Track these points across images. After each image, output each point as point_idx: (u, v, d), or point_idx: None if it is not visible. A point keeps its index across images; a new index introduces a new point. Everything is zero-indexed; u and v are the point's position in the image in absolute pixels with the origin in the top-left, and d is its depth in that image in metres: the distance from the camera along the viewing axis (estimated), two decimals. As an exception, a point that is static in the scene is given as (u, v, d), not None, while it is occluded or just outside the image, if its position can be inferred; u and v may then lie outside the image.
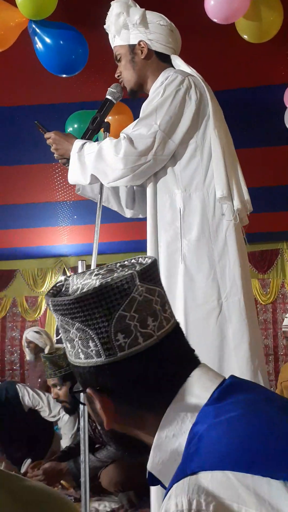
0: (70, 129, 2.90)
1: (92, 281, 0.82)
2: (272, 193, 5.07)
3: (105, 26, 1.96)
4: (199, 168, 1.80)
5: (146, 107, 1.83)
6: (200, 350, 1.71)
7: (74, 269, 7.64)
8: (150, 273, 0.83)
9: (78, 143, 1.85)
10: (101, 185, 1.94)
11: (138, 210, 2.13)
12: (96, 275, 0.84)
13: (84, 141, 1.86)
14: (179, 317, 1.75)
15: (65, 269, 7.84)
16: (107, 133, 1.93)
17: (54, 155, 1.96)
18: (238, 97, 3.29)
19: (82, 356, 0.82)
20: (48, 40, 2.50)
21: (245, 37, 2.56)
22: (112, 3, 1.93)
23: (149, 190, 1.87)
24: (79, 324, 0.80)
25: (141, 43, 1.91)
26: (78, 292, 0.81)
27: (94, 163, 1.77)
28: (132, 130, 1.77)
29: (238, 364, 1.72)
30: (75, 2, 2.72)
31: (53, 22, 2.53)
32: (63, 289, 0.86)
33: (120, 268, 0.85)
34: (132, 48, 1.93)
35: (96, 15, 2.68)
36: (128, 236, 6.61)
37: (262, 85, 3.26)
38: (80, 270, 2.49)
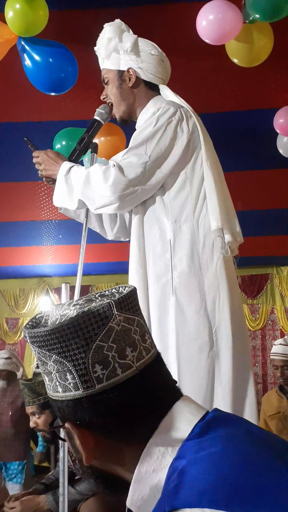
0: (58, 146, 2.93)
1: (70, 312, 0.82)
2: (263, 216, 5.13)
3: (95, 48, 2.00)
4: (189, 199, 1.83)
5: (137, 137, 1.87)
6: (192, 386, 1.73)
7: (58, 290, 7.59)
8: (129, 302, 0.84)
9: (65, 165, 1.87)
10: (87, 209, 1.95)
11: (120, 233, 2.16)
12: (74, 305, 0.85)
13: (71, 164, 1.88)
14: (172, 351, 1.77)
15: (48, 289, 7.79)
16: (95, 154, 1.95)
17: (39, 173, 1.97)
18: (228, 121, 3.35)
19: (60, 389, 0.82)
20: (37, 57, 2.54)
21: (236, 60, 2.62)
22: (105, 25, 1.97)
23: (135, 219, 1.89)
24: (56, 356, 0.80)
25: (130, 70, 1.95)
26: (55, 323, 0.82)
27: (82, 189, 1.79)
28: (122, 158, 1.80)
29: (225, 406, 1.74)
30: (66, 20, 2.77)
31: (43, 39, 2.57)
32: (42, 321, 0.86)
33: (99, 298, 0.86)
34: (120, 74, 1.97)
35: (87, 34, 2.72)
36: (115, 257, 6.61)
37: (252, 109, 3.33)
38: (63, 293, 2.51)
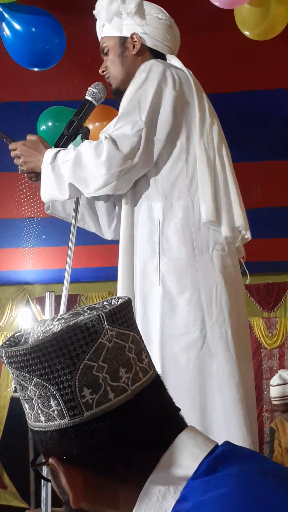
0: (43, 128, 2.93)
1: (54, 327, 0.82)
2: (279, 215, 5.13)
3: (94, 12, 2.02)
4: (183, 173, 1.83)
5: (127, 99, 1.89)
6: (179, 389, 1.73)
7: (40, 300, 7.58)
8: (122, 314, 0.84)
9: (50, 152, 1.87)
10: (77, 200, 1.95)
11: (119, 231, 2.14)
12: (58, 320, 0.84)
13: (56, 149, 1.88)
14: (154, 349, 1.76)
15: (29, 299, 7.79)
16: (86, 140, 1.94)
17: (19, 168, 1.97)
18: (236, 102, 3.36)
19: (42, 418, 0.81)
20: (18, 26, 2.54)
21: (247, 33, 2.62)
22: None
23: (125, 200, 1.90)
24: (38, 379, 0.80)
25: (134, 36, 1.97)
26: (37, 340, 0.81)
27: (72, 172, 1.79)
28: (114, 129, 1.81)
29: (224, 406, 1.72)
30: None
31: (24, 5, 2.57)
32: (22, 339, 0.86)
33: (88, 311, 0.86)
34: (123, 41, 1.99)
35: (78, 1, 2.74)
36: (108, 261, 6.58)
37: (264, 89, 3.34)
38: (47, 303, 2.49)
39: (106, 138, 1.76)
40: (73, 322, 0.81)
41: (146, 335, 1.78)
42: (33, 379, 0.80)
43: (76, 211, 1.98)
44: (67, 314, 0.86)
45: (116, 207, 2.13)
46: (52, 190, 1.85)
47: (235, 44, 2.82)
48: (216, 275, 1.79)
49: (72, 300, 7.42)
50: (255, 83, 3.29)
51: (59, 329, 0.80)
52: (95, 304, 0.89)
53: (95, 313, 0.82)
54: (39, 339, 0.80)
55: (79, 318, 0.82)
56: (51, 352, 0.78)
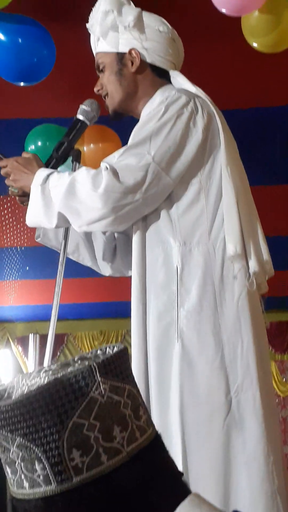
0: (31, 148, 2.97)
1: (40, 380, 0.82)
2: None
3: (88, 25, 2.03)
4: (204, 216, 1.84)
5: (138, 132, 1.89)
6: (201, 463, 1.71)
7: (22, 341, 7.56)
8: (117, 365, 0.84)
9: (42, 172, 1.87)
10: (67, 228, 1.96)
11: (120, 266, 2.14)
12: (45, 371, 0.84)
13: (49, 170, 1.89)
14: (173, 417, 1.75)
15: (9, 339, 7.75)
16: (77, 164, 1.97)
17: (10, 189, 1.97)
18: (242, 120, 3.40)
19: (26, 484, 0.81)
20: (2, 37, 2.59)
21: (255, 45, 2.67)
22: None
23: (136, 239, 1.89)
24: (21, 439, 0.79)
25: (132, 52, 1.97)
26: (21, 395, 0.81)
27: (64, 200, 1.79)
28: (117, 159, 1.81)
29: (250, 485, 1.70)
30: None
31: (9, 14, 2.62)
32: (5, 394, 0.85)
33: (79, 362, 0.86)
34: (120, 57, 1.99)
35: (68, 8, 2.80)
36: (100, 296, 6.61)
37: (275, 106, 3.40)
38: (31, 344, 2.47)
39: (107, 168, 1.76)
40: (61, 374, 0.81)
41: (163, 399, 1.77)
42: (16, 439, 0.80)
43: (65, 238, 1.97)
44: (55, 365, 0.86)
45: (116, 239, 2.13)
46: (38, 215, 1.85)
47: (241, 56, 2.87)
48: (242, 329, 1.78)
49: (59, 340, 7.40)
50: (262, 99, 3.35)
51: (45, 382, 0.80)
52: (87, 353, 0.89)
53: (86, 363, 0.83)
54: (23, 393, 0.80)
55: (68, 370, 0.82)
56: (36, 409, 0.78)
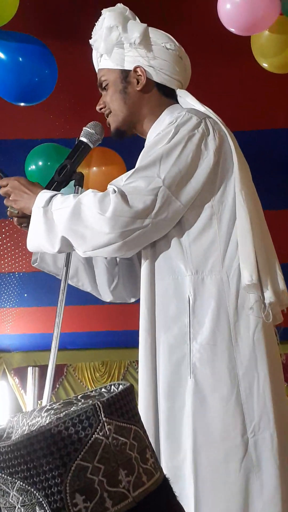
0: (32, 168, 2.99)
1: (41, 420, 0.82)
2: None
3: (91, 41, 2.04)
4: (216, 242, 1.83)
5: (147, 154, 1.89)
6: (215, 508, 1.68)
7: (19, 372, 7.51)
8: (123, 404, 0.83)
9: (45, 194, 1.87)
10: (68, 254, 1.96)
11: (122, 292, 2.14)
12: (47, 410, 0.84)
13: (52, 192, 1.89)
14: (187, 458, 1.73)
15: (6, 370, 7.71)
16: (80, 188, 1.97)
17: (9, 209, 1.96)
18: (253, 143, 3.44)
19: None
20: (2, 55, 2.63)
21: (265, 65, 2.72)
22: (104, 11, 2.01)
23: (144, 268, 1.88)
24: (22, 483, 0.79)
25: (138, 69, 1.98)
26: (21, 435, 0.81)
27: (68, 224, 1.78)
28: (125, 182, 1.80)
29: None
30: (43, 7, 2.89)
31: (10, 32, 2.66)
32: (5, 434, 0.85)
33: (82, 400, 0.86)
34: (125, 75, 2.00)
35: (70, 26, 2.85)
36: (102, 324, 6.59)
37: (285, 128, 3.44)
38: (29, 378, 2.48)
39: (115, 191, 1.75)
40: (64, 413, 0.80)
41: (174, 439, 1.76)
42: (16, 483, 0.79)
43: (67, 264, 1.96)
44: (58, 404, 0.86)
45: (118, 264, 2.12)
46: (40, 239, 1.84)
47: (251, 76, 2.91)
48: (258, 363, 1.77)
49: (58, 371, 7.35)
50: (274, 121, 3.39)
51: (47, 421, 0.80)
52: (91, 391, 0.89)
53: (90, 402, 0.82)
54: (23, 434, 0.80)
55: (71, 409, 0.82)
56: (37, 450, 0.77)
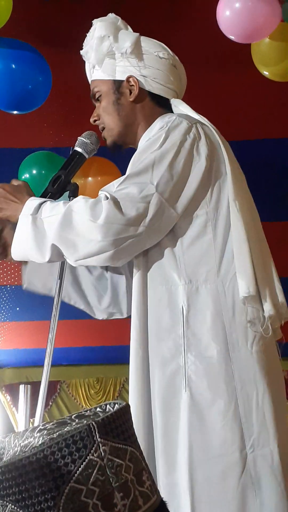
0: (25, 176, 2.99)
1: (34, 440, 0.82)
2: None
3: (82, 52, 2.05)
4: (211, 251, 1.83)
5: (138, 159, 1.89)
6: None
7: (11, 389, 7.49)
8: (119, 424, 0.83)
9: (33, 201, 1.86)
10: (62, 263, 1.95)
11: (114, 308, 2.15)
12: (40, 431, 0.84)
13: (42, 199, 1.88)
14: (182, 475, 1.72)
15: (-3, 387, 7.70)
16: (81, 196, 1.97)
17: None
18: (253, 152, 3.45)
19: None
20: (-5, 62, 2.65)
21: (266, 73, 2.73)
22: (94, 21, 2.02)
23: (136, 278, 1.88)
24: (13, 506, 0.79)
25: (130, 79, 2.00)
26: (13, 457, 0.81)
27: (59, 231, 1.77)
28: (117, 188, 1.80)
29: None
30: (36, 13, 2.91)
31: (2, 38, 2.68)
32: None
33: (76, 420, 0.86)
34: (117, 85, 2.02)
35: (65, 32, 2.86)
36: (97, 339, 6.57)
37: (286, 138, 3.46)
38: (21, 396, 2.48)
39: (107, 198, 1.75)
40: (57, 434, 0.80)
41: (170, 456, 1.75)
42: (7, 506, 0.79)
43: (61, 277, 1.96)
44: (51, 424, 0.85)
45: (108, 279, 2.13)
46: (28, 247, 1.83)
47: (251, 85, 2.93)
48: (257, 375, 1.76)
49: (51, 388, 7.33)
50: (275, 130, 3.41)
51: (40, 442, 0.79)
52: (86, 410, 0.88)
53: (84, 422, 0.82)
54: (15, 455, 0.80)
55: (65, 429, 0.82)
56: (29, 472, 0.77)
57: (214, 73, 2.96)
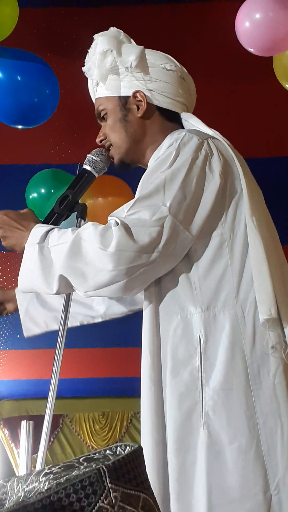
0: (33, 196, 3.01)
1: (39, 485, 0.82)
2: None
3: (84, 69, 2.07)
4: (228, 274, 1.83)
5: (147, 180, 1.88)
6: None
7: (10, 423, 7.47)
8: (130, 468, 0.83)
9: (39, 228, 1.86)
10: (68, 298, 1.96)
11: (115, 307, 2.19)
12: (46, 475, 0.84)
13: (48, 226, 1.88)
14: None
15: (-6, 421, 7.68)
16: (82, 221, 1.97)
17: None
18: (274, 169, 3.47)
19: None
20: (-1, 73, 2.68)
21: (288, 86, 2.76)
22: (96, 36, 2.04)
23: (148, 310, 1.88)
24: None
25: (137, 94, 2.00)
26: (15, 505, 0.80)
27: (67, 260, 1.77)
28: (127, 213, 1.80)
29: None
30: (44, 22, 2.95)
31: (8, 48, 2.71)
32: None
33: (85, 463, 0.85)
34: (124, 101, 2.03)
35: (73, 42, 2.89)
36: (103, 369, 6.56)
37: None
38: (23, 432, 2.48)
39: (118, 224, 1.74)
40: (64, 478, 0.80)
41: (186, 500, 1.73)
42: None
43: (66, 309, 1.95)
44: (57, 467, 0.85)
45: None
46: (35, 278, 1.82)
47: (273, 100, 2.95)
48: (281, 409, 1.74)
49: (54, 422, 7.26)
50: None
51: (46, 487, 0.79)
52: (95, 453, 0.88)
53: (94, 466, 0.81)
54: (19, 501, 0.79)
55: (73, 473, 0.81)
56: None
57: (233, 86, 2.98)
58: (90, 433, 7.58)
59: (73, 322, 2.20)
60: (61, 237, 1.80)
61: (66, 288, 1.83)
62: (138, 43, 2.05)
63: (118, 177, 2.93)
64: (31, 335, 2.20)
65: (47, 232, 1.83)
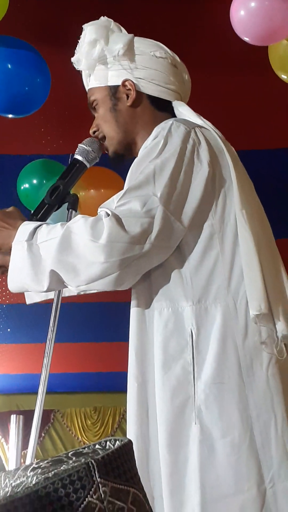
0: (25, 186, 3.00)
1: (27, 480, 0.82)
2: None
3: (73, 59, 2.07)
4: (219, 265, 1.83)
5: (136, 170, 1.88)
6: None
7: (0, 418, 7.48)
8: (120, 463, 0.83)
9: (27, 226, 1.84)
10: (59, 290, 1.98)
11: None
12: (33, 469, 0.84)
13: (36, 223, 1.86)
14: None
15: (-15, 415, 7.69)
16: (73, 212, 1.97)
17: None
18: (271, 162, 3.47)
19: None
20: (-11, 62, 2.67)
21: (284, 77, 2.75)
22: (85, 26, 2.04)
23: (135, 300, 1.89)
24: None
25: (126, 83, 2.01)
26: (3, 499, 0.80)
27: (57, 255, 1.75)
28: (117, 204, 1.79)
29: None
30: (35, 9, 2.94)
31: (-1, 36, 2.71)
32: None
33: (73, 458, 0.85)
34: (113, 91, 2.04)
35: (65, 30, 2.87)
36: (95, 364, 6.57)
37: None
38: (12, 426, 2.49)
39: (108, 215, 1.73)
40: (52, 473, 0.80)
41: (180, 495, 1.74)
42: None
43: (57, 301, 1.97)
44: (45, 462, 0.85)
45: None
46: (24, 277, 1.80)
47: (269, 89, 2.95)
48: (274, 402, 1.75)
49: (44, 417, 7.26)
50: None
51: (33, 482, 0.79)
52: (84, 447, 0.88)
53: (83, 460, 0.81)
54: (6, 496, 0.79)
55: (61, 468, 0.81)
56: None
57: (227, 76, 2.98)
58: (81, 429, 7.59)
59: (71, 292, 2.17)
60: (50, 233, 1.78)
61: (57, 284, 1.81)
62: (130, 33, 2.04)
63: (110, 168, 2.93)
64: (32, 303, 2.19)
65: (35, 228, 1.82)
